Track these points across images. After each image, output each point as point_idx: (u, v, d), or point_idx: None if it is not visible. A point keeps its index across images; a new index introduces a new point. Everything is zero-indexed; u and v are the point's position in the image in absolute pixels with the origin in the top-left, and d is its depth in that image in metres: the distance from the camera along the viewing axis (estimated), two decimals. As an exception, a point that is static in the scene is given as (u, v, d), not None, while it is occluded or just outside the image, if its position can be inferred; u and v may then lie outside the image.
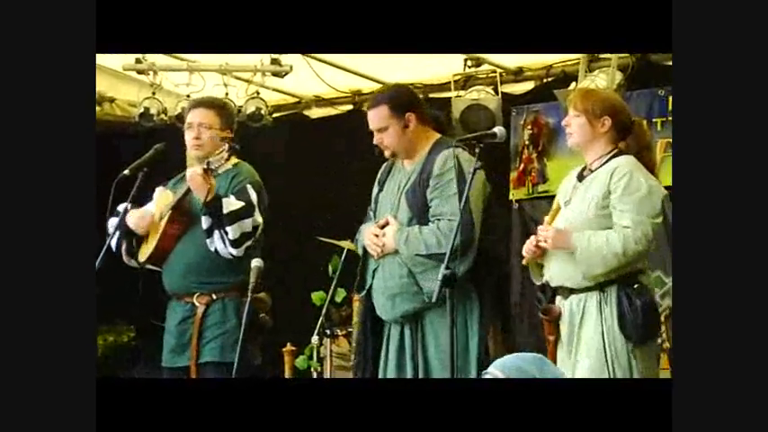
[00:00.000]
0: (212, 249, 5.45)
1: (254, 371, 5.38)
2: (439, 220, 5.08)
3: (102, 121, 7.77)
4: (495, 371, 3.68)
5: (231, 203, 5.41)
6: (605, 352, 4.64)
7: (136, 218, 5.60)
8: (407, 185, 5.22)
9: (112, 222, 5.63)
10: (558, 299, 4.83)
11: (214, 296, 5.49)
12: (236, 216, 5.40)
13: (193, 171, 5.37)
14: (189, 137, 5.62)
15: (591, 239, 4.66)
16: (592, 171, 4.84)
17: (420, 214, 5.14)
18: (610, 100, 4.97)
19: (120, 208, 5.63)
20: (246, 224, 5.43)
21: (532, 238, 4.85)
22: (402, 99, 5.28)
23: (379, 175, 5.44)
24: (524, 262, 4.89)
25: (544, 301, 4.86)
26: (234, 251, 5.41)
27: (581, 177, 4.89)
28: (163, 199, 5.69)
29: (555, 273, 4.80)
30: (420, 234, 5.09)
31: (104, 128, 7.74)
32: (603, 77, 6.59)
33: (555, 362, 4.71)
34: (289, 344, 6.86)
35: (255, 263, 5.04)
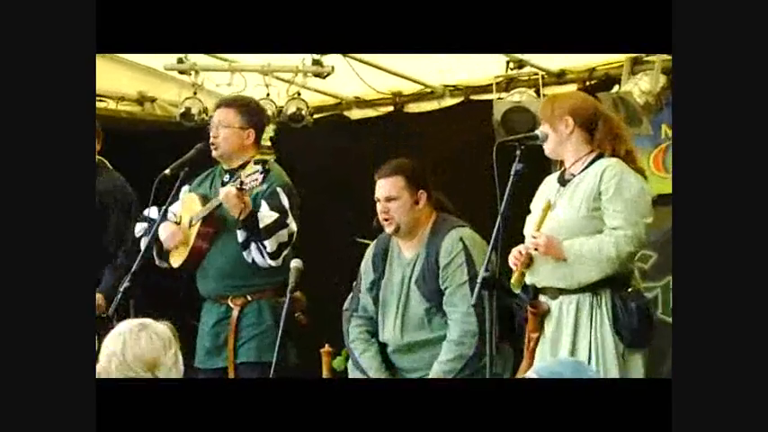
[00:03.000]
0: (249, 260, 5.44)
1: (292, 371, 5.38)
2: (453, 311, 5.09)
3: (144, 121, 7.80)
4: (533, 375, 3.66)
5: (266, 217, 5.37)
6: (597, 354, 4.61)
7: (167, 235, 5.59)
8: (414, 275, 5.20)
9: (141, 226, 5.63)
10: (544, 298, 4.77)
11: (249, 297, 5.48)
12: (272, 229, 5.37)
13: (228, 190, 5.31)
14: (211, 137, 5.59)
15: (583, 247, 4.62)
16: (574, 175, 4.80)
17: (436, 300, 5.15)
18: (568, 100, 4.97)
19: (147, 213, 5.63)
20: (282, 235, 5.40)
21: (518, 248, 4.76)
22: (418, 175, 5.27)
23: (371, 257, 5.40)
24: (516, 278, 4.73)
25: (526, 300, 4.80)
26: (273, 262, 5.40)
27: (563, 182, 4.84)
28: (189, 203, 5.65)
29: (545, 273, 4.73)
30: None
31: (146, 127, 7.77)
32: (647, 80, 6.54)
33: (533, 359, 4.68)
34: (327, 345, 6.86)
35: (295, 263, 5.02)
